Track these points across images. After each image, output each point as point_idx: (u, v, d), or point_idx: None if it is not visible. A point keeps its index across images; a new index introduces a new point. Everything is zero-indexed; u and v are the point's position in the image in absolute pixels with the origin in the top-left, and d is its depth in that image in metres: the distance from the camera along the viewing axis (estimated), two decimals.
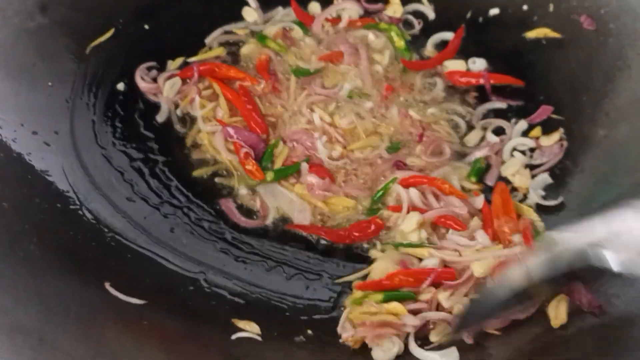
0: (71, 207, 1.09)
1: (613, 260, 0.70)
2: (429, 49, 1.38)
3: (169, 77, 1.29)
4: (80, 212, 1.09)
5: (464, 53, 1.35)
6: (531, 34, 1.34)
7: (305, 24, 1.39)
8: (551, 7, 1.32)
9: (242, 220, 1.13)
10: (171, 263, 1.06)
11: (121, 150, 1.19)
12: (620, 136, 1.14)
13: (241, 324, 0.97)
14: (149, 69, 1.30)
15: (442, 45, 1.38)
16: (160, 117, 1.25)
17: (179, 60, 1.33)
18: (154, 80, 1.29)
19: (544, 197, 1.14)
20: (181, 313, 0.98)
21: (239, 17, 1.40)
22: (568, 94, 1.25)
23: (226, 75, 1.29)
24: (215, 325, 0.97)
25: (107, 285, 0.97)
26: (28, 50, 1.20)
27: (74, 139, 1.17)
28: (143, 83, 1.28)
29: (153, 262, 1.06)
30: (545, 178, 1.16)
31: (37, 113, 1.16)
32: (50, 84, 1.21)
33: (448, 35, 1.38)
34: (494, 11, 1.38)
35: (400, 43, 1.36)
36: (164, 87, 1.27)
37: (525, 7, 1.36)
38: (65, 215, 1.07)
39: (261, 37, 1.35)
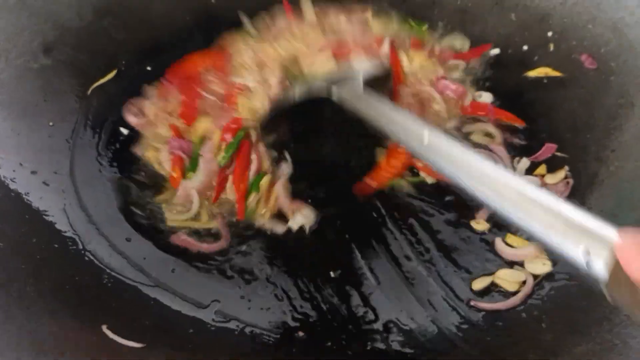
0: (70, 247, 1.07)
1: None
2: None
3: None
4: (78, 252, 1.07)
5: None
6: (532, 73, 1.34)
7: None
8: (551, 47, 1.33)
9: (204, 247, 1.10)
10: (172, 304, 1.03)
11: (121, 191, 1.17)
12: (626, 173, 1.13)
13: None
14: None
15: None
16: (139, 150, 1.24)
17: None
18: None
19: None
20: (182, 356, 0.95)
21: None
22: (571, 133, 1.24)
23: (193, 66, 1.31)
24: None
25: (105, 328, 0.94)
26: (30, 91, 1.20)
27: (73, 179, 1.16)
28: (133, 119, 1.27)
29: (153, 304, 1.03)
30: None
31: (37, 152, 1.15)
32: (51, 123, 1.20)
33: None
34: (495, 51, 1.39)
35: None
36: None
37: (525, 47, 1.37)
38: (63, 256, 1.05)
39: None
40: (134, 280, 1.05)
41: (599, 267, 0.51)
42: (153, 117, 1.26)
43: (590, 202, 1.14)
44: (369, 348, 1.00)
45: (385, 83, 1.19)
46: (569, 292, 1.00)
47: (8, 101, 1.16)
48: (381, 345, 1.00)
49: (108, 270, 1.06)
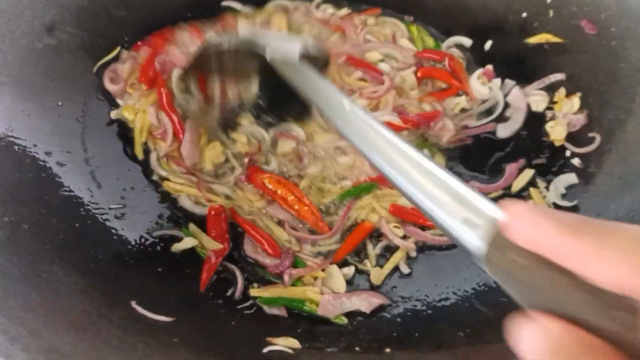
0: (90, 225, 1.07)
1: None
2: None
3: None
4: (99, 230, 1.07)
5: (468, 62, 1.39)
6: (532, 40, 1.36)
7: None
8: (551, 13, 1.35)
9: None
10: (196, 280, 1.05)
11: (136, 168, 1.18)
12: (631, 139, 1.16)
13: (279, 340, 0.96)
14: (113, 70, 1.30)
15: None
16: (114, 114, 1.24)
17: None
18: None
19: (563, 196, 1.15)
20: (212, 329, 0.97)
21: None
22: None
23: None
24: (248, 338, 0.96)
25: (134, 304, 0.95)
26: (36, 71, 1.18)
27: (87, 158, 1.16)
28: (112, 85, 1.27)
29: (175, 278, 1.04)
30: (572, 177, 1.17)
31: (49, 133, 1.14)
32: (60, 103, 1.19)
33: (464, 40, 1.44)
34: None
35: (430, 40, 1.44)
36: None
37: (524, 14, 1.38)
38: (84, 235, 1.05)
39: None
40: (156, 255, 1.06)
41: (478, 240, 0.49)
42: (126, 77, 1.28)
43: (599, 174, 1.17)
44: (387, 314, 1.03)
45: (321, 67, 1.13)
46: None
47: (15, 83, 1.14)
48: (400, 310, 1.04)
49: (130, 247, 1.07)
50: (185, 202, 1.14)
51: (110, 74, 1.28)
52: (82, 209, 1.09)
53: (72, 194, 1.10)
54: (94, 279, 0.98)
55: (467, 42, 1.43)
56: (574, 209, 1.15)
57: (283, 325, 1.01)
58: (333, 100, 0.81)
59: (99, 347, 0.84)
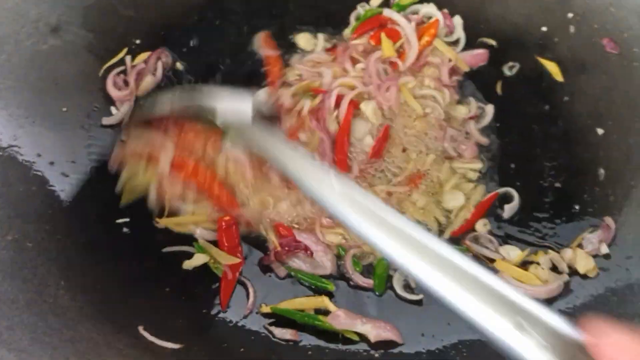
0: (95, 243, 1.04)
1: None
2: None
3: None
4: (105, 248, 1.04)
5: (486, 72, 1.34)
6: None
7: None
8: (572, 29, 1.32)
9: None
10: (205, 304, 1.02)
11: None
12: None
13: None
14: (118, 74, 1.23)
15: None
16: (107, 120, 1.18)
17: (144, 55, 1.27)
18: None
19: None
20: (221, 356, 0.94)
21: None
22: (592, 119, 1.24)
23: None
24: None
25: (141, 329, 0.93)
26: (41, 75, 1.14)
27: (92, 168, 1.12)
28: (116, 91, 1.21)
29: (184, 301, 1.02)
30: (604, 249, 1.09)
31: (53, 141, 1.10)
32: (64, 109, 1.15)
33: None
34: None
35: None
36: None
37: (544, 29, 1.35)
38: (89, 253, 1.02)
39: None
40: (164, 276, 1.03)
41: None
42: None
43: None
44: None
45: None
46: (599, 295, 1.02)
47: (19, 87, 1.10)
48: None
49: (137, 265, 1.04)
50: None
51: (116, 80, 1.22)
52: (87, 224, 1.05)
53: (76, 207, 1.06)
54: (100, 303, 0.95)
55: None
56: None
57: (293, 350, 0.99)
58: (315, 178, 0.72)
59: None
